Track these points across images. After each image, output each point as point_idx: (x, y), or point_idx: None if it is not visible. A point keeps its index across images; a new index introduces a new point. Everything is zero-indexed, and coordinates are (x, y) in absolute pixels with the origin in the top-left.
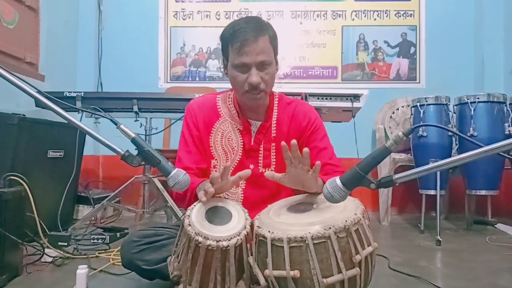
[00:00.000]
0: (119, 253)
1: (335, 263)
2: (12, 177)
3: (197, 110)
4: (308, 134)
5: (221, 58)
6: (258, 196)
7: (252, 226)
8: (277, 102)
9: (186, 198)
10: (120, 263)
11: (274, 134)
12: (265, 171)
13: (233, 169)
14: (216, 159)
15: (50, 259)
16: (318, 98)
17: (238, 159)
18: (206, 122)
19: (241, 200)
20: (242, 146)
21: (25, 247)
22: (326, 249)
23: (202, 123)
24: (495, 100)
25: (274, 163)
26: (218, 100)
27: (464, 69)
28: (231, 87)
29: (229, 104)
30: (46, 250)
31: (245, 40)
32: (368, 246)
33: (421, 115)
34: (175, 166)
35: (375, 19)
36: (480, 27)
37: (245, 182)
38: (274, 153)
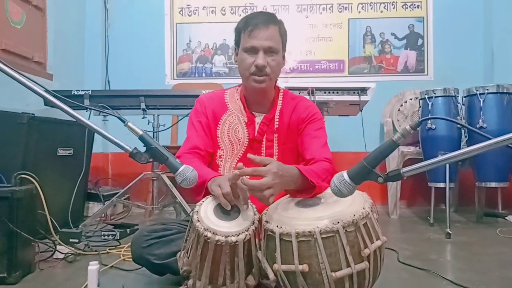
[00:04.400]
0: (129, 249)
1: (343, 257)
2: (23, 176)
3: (207, 102)
4: (305, 124)
5: (231, 51)
6: None
7: (260, 221)
8: (281, 96)
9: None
10: (131, 259)
11: (277, 126)
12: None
13: (238, 160)
14: (222, 149)
15: (61, 256)
16: (325, 92)
17: (243, 150)
18: (215, 113)
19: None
20: (247, 137)
21: (37, 244)
22: (334, 243)
23: (211, 114)
24: (505, 91)
25: (277, 153)
26: (226, 95)
27: (473, 60)
28: (236, 84)
29: (236, 98)
30: (58, 247)
31: (256, 25)
32: (376, 240)
33: (430, 107)
34: (183, 146)
35: (381, 11)
36: (489, 17)
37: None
38: (277, 144)
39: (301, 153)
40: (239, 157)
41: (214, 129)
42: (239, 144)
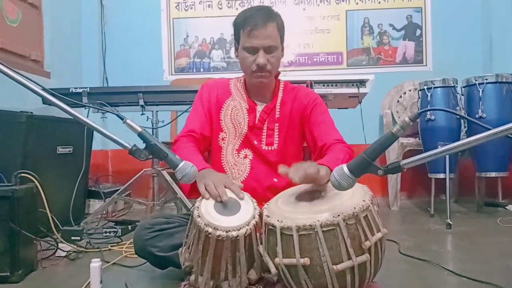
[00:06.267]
0: (131, 245)
1: (344, 250)
2: (23, 175)
3: (212, 87)
4: (310, 110)
5: (229, 45)
6: (263, 170)
7: (261, 215)
8: (282, 87)
9: None
10: (133, 256)
11: (278, 115)
12: (268, 148)
13: (240, 142)
14: (225, 132)
15: (64, 254)
16: (324, 85)
17: (244, 133)
18: (219, 98)
19: (248, 171)
20: (247, 122)
21: (39, 243)
22: (335, 236)
23: (215, 98)
24: (504, 80)
25: (277, 141)
26: (231, 83)
27: (472, 50)
28: (235, 77)
29: (239, 87)
30: (60, 245)
31: (255, 25)
32: (377, 232)
33: (429, 98)
34: (182, 129)
35: (379, 2)
36: (487, 6)
37: (252, 154)
38: (277, 133)
39: (312, 142)
40: (241, 140)
41: (217, 113)
42: (240, 127)
